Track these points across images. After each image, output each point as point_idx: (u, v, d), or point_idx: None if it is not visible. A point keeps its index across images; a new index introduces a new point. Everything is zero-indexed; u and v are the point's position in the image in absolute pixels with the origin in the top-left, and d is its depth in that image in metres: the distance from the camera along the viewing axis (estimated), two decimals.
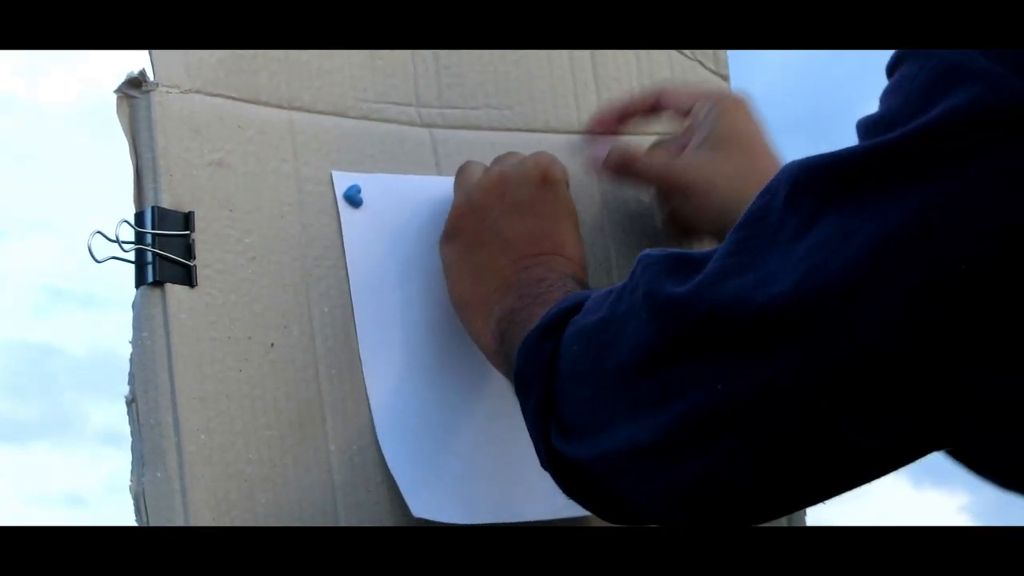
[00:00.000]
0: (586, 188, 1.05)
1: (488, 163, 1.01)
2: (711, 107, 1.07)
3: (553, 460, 0.82)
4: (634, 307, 0.76)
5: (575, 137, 1.12)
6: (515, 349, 0.85)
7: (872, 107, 0.72)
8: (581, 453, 0.79)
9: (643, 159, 1.08)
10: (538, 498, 0.99)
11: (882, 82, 0.73)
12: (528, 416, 0.83)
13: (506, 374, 0.91)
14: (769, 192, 0.73)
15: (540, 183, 0.97)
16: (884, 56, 0.73)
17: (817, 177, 0.70)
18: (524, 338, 0.84)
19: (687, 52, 1.20)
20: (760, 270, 0.70)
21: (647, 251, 0.79)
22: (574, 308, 0.83)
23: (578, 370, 0.80)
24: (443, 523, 0.95)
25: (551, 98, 1.12)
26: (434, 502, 0.96)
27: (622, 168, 1.08)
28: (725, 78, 1.21)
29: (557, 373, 0.81)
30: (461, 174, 1.01)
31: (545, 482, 0.86)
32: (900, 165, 0.66)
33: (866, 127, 0.70)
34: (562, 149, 1.09)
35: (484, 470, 1.01)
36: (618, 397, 0.77)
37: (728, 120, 1.06)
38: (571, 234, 0.97)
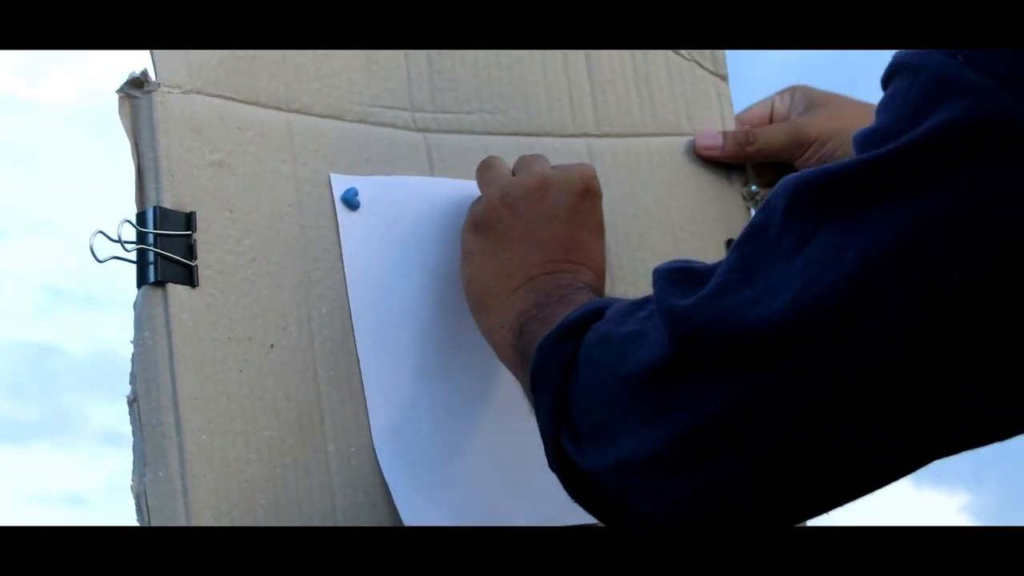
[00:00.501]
0: None
1: None
2: (789, 91, 1.17)
3: (561, 462, 0.82)
4: (656, 324, 0.77)
5: (569, 140, 1.12)
6: (533, 346, 0.85)
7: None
8: (589, 461, 0.79)
9: (762, 132, 1.16)
10: (532, 506, 0.99)
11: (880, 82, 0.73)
12: (541, 415, 0.83)
13: (516, 370, 0.91)
14: (768, 206, 0.73)
15: (582, 194, 0.97)
16: (883, 56, 0.73)
17: (813, 192, 0.71)
18: (544, 337, 0.84)
19: (684, 52, 1.20)
20: (759, 285, 0.71)
21: (657, 266, 0.80)
22: (596, 314, 0.83)
23: (594, 376, 0.80)
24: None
25: (545, 102, 1.12)
26: (427, 511, 0.96)
27: (742, 145, 1.17)
28: (723, 78, 1.22)
29: (574, 376, 0.81)
30: (488, 170, 1.01)
31: (540, 489, 0.86)
32: (892, 179, 0.67)
33: (861, 141, 0.70)
34: (556, 153, 1.09)
35: (479, 476, 1.01)
36: (626, 406, 0.77)
37: (811, 91, 1.18)
38: (599, 249, 0.98)
